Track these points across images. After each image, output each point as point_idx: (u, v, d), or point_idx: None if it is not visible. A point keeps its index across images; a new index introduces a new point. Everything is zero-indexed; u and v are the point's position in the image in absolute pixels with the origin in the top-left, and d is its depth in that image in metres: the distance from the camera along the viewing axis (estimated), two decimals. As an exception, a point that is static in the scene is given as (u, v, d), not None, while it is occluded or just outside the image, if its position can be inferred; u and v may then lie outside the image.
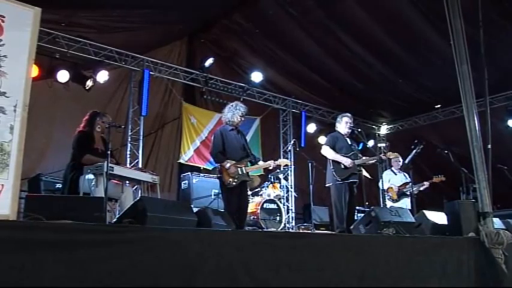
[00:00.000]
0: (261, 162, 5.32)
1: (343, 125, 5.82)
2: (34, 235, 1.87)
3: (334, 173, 5.53)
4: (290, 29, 7.94)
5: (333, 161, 5.59)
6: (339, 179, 5.47)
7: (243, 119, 5.26)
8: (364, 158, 5.77)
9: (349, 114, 5.96)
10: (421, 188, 7.38)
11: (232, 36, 8.79)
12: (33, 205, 2.89)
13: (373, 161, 5.89)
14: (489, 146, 4.34)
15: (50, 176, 6.27)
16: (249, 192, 6.92)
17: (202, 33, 9.11)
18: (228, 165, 4.98)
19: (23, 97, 2.17)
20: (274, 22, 7.91)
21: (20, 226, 2.00)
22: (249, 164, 5.17)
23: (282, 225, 7.51)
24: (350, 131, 5.88)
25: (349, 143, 5.80)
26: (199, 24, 8.75)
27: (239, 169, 5.01)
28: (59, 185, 5.83)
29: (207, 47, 9.28)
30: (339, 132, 5.85)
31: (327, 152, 5.67)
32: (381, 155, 6.20)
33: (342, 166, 5.52)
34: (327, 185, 5.69)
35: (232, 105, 5.31)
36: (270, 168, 5.42)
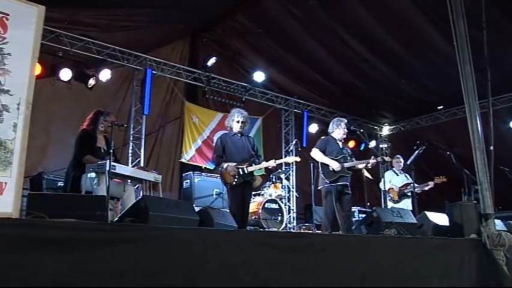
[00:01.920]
0: (263, 162, 5.34)
1: (341, 131, 5.75)
2: (36, 233, 1.88)
3: (322, 175, 5.55)
4: (293, 28, 7.94)
5: (322, 163, 5.60)
6: (327, 181, 5.48)
7: (239, 124, 5.24)
8: (354, 161, 5.75)
9: (346, 120, 5.92)
10: (426, 188, 7.37)
11: (234, 35, 8.79)
12: (35, 203, 2.88)
13: (363, 165, 5.81)
14: (491, 148, 4.33)
15: (52, 174, 6.27)
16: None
17: (205, 32, 9.12)
18: (225, 165, 5.09)
19: (26, 95, 2.17)
20: (277, 22, 7.91)
21: (23, 224, 2.00)
22: (253, 164, 5.19)
23: (284, 225, 7.50)
24: (345, 137, 5.85)
25: (341, 146, 5.77)
26: (202, 23, 8.76)
27: (240, 169, 5.06)
28: (61, 183, 5.82)
29: (210, 47, 9.29)
30: (332, 137, 5.81)
31: (316, 154, 5.66)
32: (378, 158, 6.10)
33: (331, 169, 5.52)
34: (318, 188, 5.70)
35: (230, 114, 5.45)
36: (270, 167, 5.44)
